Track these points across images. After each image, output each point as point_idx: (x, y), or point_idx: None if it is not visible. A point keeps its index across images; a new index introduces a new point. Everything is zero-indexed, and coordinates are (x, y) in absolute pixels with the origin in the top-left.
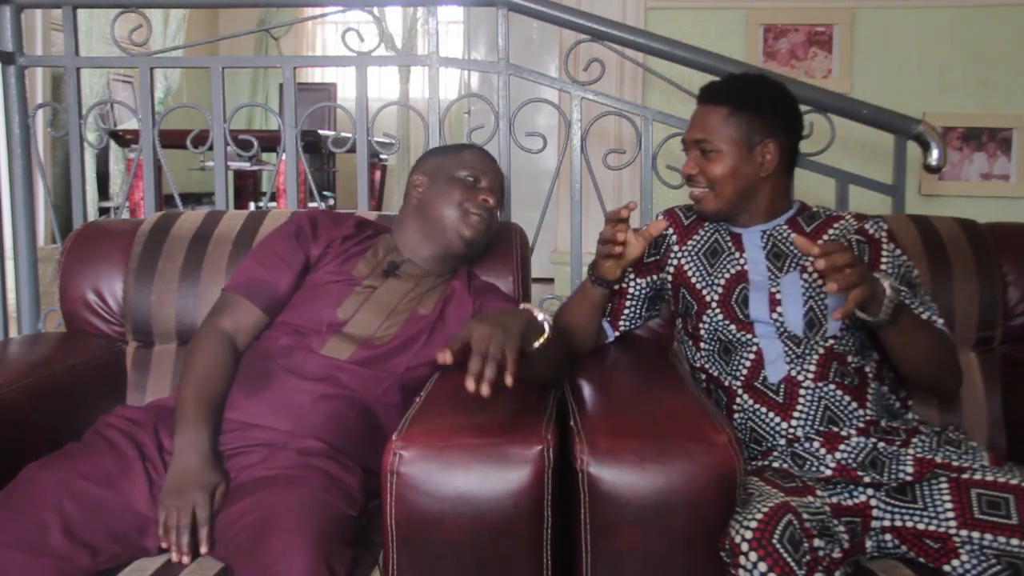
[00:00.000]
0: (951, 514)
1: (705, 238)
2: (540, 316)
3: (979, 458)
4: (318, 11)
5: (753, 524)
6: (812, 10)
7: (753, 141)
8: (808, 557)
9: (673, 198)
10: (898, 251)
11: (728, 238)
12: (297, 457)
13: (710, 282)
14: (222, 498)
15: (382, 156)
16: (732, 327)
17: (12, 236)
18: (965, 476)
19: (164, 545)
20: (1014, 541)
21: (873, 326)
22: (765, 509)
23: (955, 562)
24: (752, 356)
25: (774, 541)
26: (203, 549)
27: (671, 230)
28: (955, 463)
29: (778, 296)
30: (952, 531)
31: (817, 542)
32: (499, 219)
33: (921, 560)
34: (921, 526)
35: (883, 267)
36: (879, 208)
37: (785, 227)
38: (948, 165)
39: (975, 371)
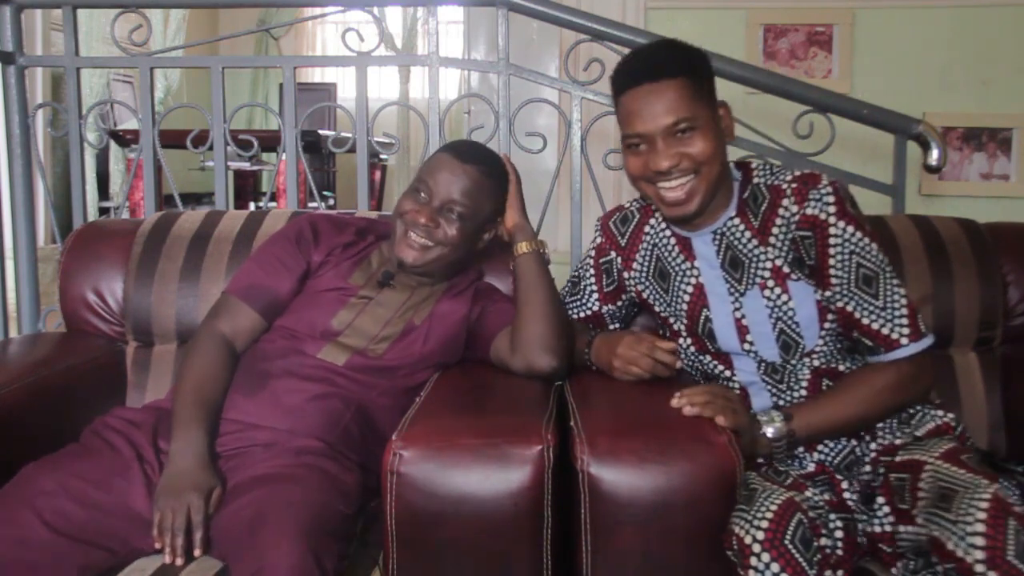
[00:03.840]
0: (887, 508)
1: (647, 256)
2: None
3: (918, 429)
4: (318, 11)
5: (764, 524)
6: (812, 10)
7: (715, 109)
8: (819, 556)
9: None
10: (850, 228)
11: (675, 245)
12: (294, 456)
13: (672, 311)
14: (217, 501)
15: (382, 156)
16: (707, 358)
17: (12, 236)
18: (891, 460)
19: (158, 546)
20: (911, 529)
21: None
22: (774, 507)
23: (900, 563)
24: (736, 391)
25: (786, 542)
26: (197, 552)
27: (613, 253)
28: (897, 442)
29: (744, 322)
30: (895, 528)
31: (824, 540)
32: (464, 238)
33: (873, 567)
34: (876, 528)
35: (831, 258)
36: (879, 208)
37: (737, 221)
38: (948, 165)
39: (975, 371)
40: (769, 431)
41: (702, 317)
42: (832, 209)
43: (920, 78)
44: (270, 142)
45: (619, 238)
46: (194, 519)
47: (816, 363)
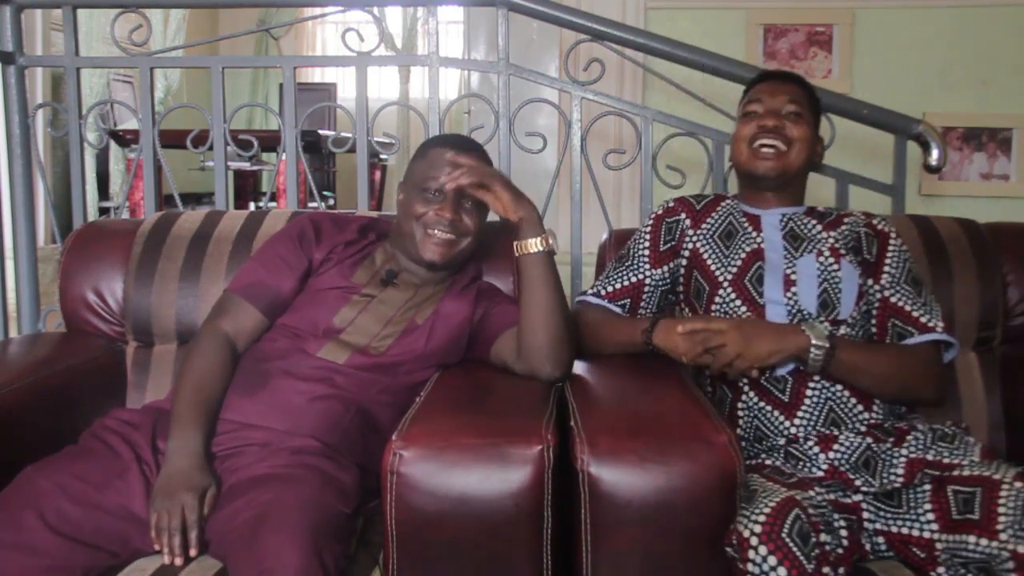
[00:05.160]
0: (931, 516)
1: (720, 220)
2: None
3: (970, 453)
4: (318, 11)
5: (762, 518)
6: (812, 10)
7: (816, 134)
8: (817, 551)
9: None
10: (904, 247)
11: (745, 220)
12: (291, 456)
13: (726, 264)
14: (212, 501)
15: (382, 156)
16: (743, 308)
17: (12, 236)
18: (948, 475)
19: (156, 547)
20: (983, 541)
21: (810, 371)
22: (773, 503)
23: (940, 569)
24: None
25: (783, 535)
26: (192, 552)
27: (683, 215)
28: (945, 460)
29: (793, 277)
30: (935, 536)
31: (824, 536)
32: (481, 225)
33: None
34: (906, 531)
35: (888, 259)
36: (879, 208)
37: (804, 215)
38: (948, 165)
39: (975, 371)
40: (811, 334)
41: (754, 266)
42: (894, 231)
43: (920, 78)
44: (270, 142)
45: (694, 204)
46: (188, 519)
47: (842, 336)
